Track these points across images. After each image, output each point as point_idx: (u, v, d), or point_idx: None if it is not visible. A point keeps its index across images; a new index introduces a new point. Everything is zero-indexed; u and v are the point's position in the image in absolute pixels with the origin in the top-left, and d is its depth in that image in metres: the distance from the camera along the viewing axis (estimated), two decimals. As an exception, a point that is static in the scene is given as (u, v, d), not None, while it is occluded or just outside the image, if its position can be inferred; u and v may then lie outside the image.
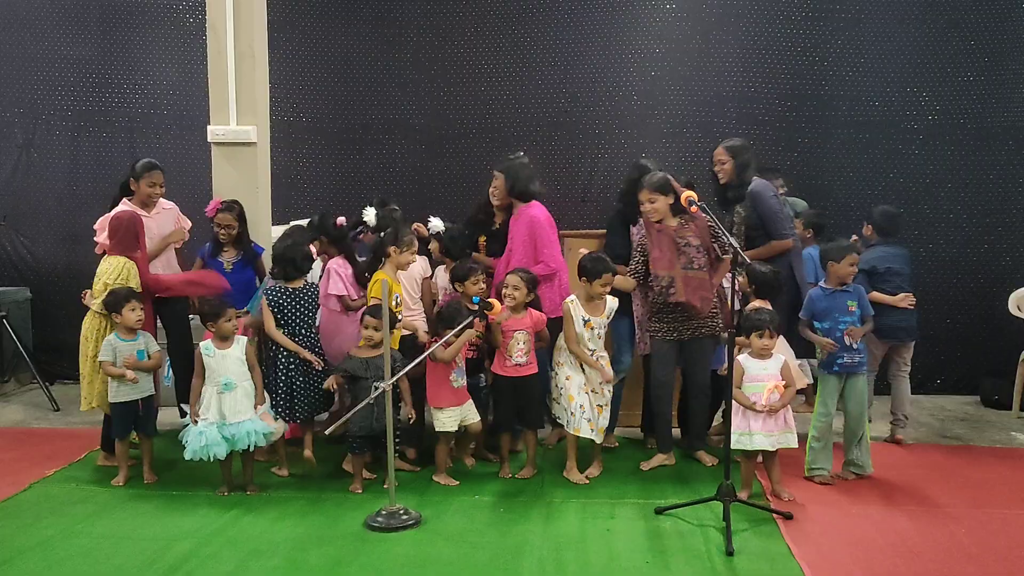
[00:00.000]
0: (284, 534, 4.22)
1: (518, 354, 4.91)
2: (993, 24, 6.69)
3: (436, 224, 5.53)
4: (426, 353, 4.66)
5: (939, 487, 4.88)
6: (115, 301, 4.83)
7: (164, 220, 5.53)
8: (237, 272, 5.46)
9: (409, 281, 5.26)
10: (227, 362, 4.69)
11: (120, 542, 4.12)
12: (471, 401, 4.96)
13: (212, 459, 4.60)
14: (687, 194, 4.65)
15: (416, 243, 5.11)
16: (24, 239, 7.34)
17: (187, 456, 4.60)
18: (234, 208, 5.50)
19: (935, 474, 5.10)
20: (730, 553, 3.97)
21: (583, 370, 4.89)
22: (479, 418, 4.99)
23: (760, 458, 4.68)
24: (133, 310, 4.83)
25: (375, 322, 4.73)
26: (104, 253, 5.15)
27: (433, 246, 5.55)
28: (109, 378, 4.85)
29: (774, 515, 4.41)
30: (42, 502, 4.64)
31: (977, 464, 5.30)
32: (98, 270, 5.04)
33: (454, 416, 4.88)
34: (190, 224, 5.73)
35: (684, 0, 6.86)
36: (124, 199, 5.43)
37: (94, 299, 5.00)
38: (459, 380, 4.89)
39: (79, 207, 7.27)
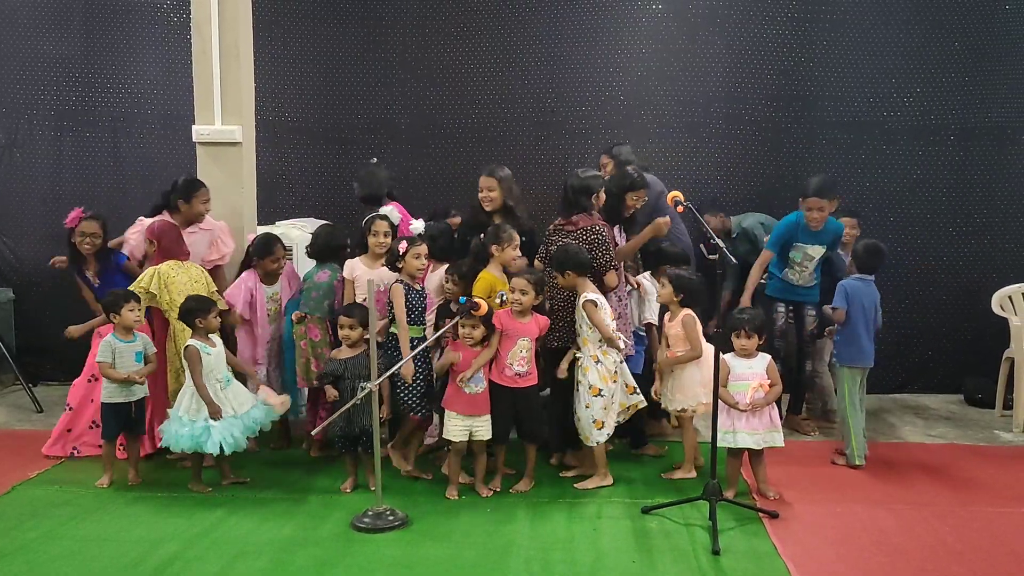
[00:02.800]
0: (270, 535, 4.20)
1: (519, 363, 4.70)
2: (976, 25, 6.72)
3: (418, 226, 5.38)
4: (414, 352, 4.64)
5: (923, 485, 4.91)
6: (114, 301, 4.81)
7: (200, 239, 5.49)
8: (107, 285, 5.36)
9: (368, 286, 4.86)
10: (219, 358, 4.72)
11: (104, 544, 4.10)
12: (488, 416, 4.70)
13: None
14: (673, 194, 4.66)
15: (517, 238, 4.98)
16: (7, 239, 7.27)
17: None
18: (100, 217, 5.45)
19: (919, 472, 5.13)
20: (716, 552, 3.98)
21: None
22: (489, 436, 4.70)
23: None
24: (132, 310, 4.81)
25: (350, 321, 4.73)
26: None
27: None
28: (104, 379, 4.80)
29: (760, 514, 4.42)
30: (25, 505, 4.60)
31: (961, 462, 5.33)
32: (175, 278, 5.05)
33: (460, 425, 4.66)
34: (231, 247, 5.62)
35: (671, 0, 6.88)
36: (164, 214, 5.45)
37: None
38: (471, 386, 4.64)
39: (62, 207, 7.13)
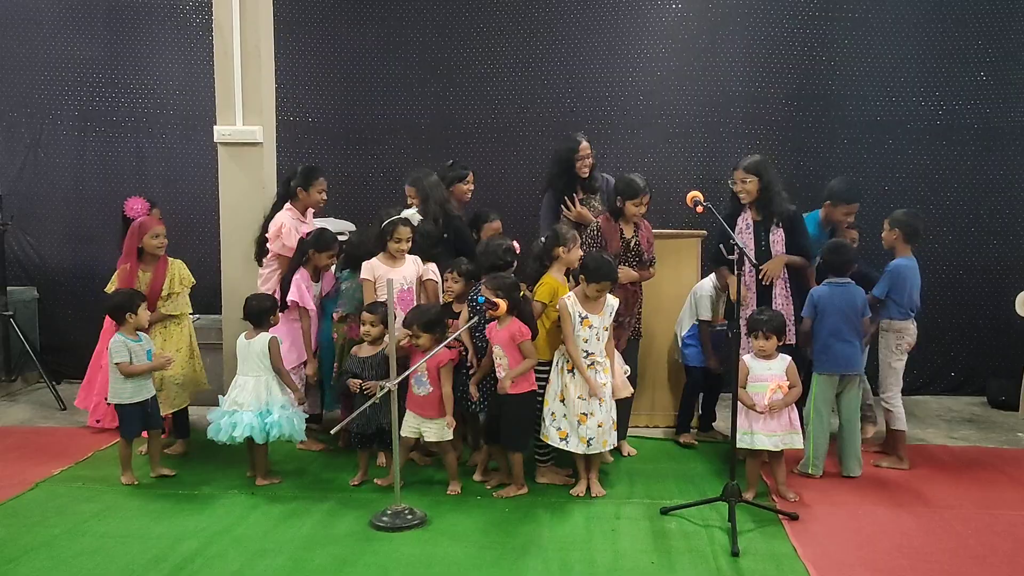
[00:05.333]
0: (290, 533, 4.23)
1: (497, 369, 4.70)
2: (1000, 24, 6.68)
3: (412, 214, 5.30)
4: (429, 354, 4.62)
5: (945, 488, 4.87)
6: (130, 301, 4.85)
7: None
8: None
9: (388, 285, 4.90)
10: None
11: (126, 541, 4.14)
12: (438, 420, 4.68)
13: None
14: (692, 194, 4.64)
15: (578, 239, 5.00)
16: (31, 239, 7.36)
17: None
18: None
19: (941, 475, 5.09)
20: (735, 554, 3.97)
21: (572, 373, 4.67)
22: (436, 439, 4.70)
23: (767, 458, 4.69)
24: (146, 310, 4.91)
25: (372, 318, 4.77)
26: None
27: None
28: (118, 381, 4.82)
29: (779, 516, 4.40)
30: (48, 501, 4.65)
31: (984, 465, 5.29)
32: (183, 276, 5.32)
33: (411, 423, 4.69)
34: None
35: (690, 0, 6.86)
36: (287, 205, 5.54)
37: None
38: (416, 387, 4.68)
39: (86, 207, 7.31)
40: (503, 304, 4.56)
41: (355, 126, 7.27)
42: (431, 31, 7.14)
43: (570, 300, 4.66)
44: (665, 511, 4.45)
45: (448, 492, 4.74)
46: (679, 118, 6.91)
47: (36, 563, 3.91)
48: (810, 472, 4.98)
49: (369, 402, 4.47)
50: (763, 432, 4.57)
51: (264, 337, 4.87)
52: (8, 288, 6.86)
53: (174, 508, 4.56)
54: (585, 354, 4.66)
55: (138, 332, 4.91)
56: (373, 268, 5.10)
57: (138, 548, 4.05)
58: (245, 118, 5.76)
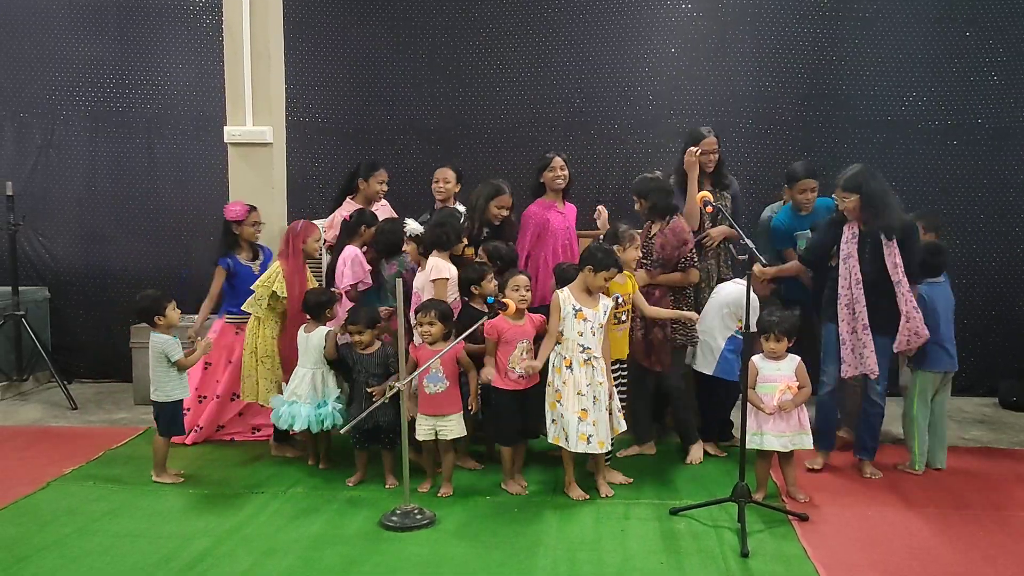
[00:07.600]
0: (299, 533, 4.24)
1: (521, 364, 4.65)
2: (1011, 22, 6.64)
3: (413, 227, 5.39)
4: (438, 355, 4.63)
5: (956, 489, 4.85)
6: (156, 304, 4.84)
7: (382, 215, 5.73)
8: (262, 271, 5.51)
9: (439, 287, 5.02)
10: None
11: (136, 540, 4.16)
12: (454, 416, 4.69)
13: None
14: (702, 194, 4.63)
15: (637, 238, 4.98)
16: (42, 239, 7.39)
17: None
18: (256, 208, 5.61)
19: (952, 476, 5.07)
20: (745, 555, 3.96)
21: (570, 370, 4.58)
22: (457, 435, 4.71)
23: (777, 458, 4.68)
24: (175, 310, 4.92)
25: (358, 328, 4.82)
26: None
27: (409, 248, 5.33)
28: (168, 378, 4.84)
29: (789, 516, 4.39)
30: (59, 500, 4.67)
31: (995, 466, 5.26)
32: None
33: (424, 425, 4.66)
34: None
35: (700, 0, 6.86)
36: (348, 198, 5.77)
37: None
38: (431, 386, 4.63)
39: (97, 207, 7.34)
40: (512, 304, 4.60)
41: (364, 126, 7.28)
42: (440, 32, 7.15)
43: (563, 294, 4.63)
44: (674, 511, 4.45)
45: (439, 495, 4.69)
46: (689, 118, 6.88)
47: (47, 562, 3.93)
48: (916, 469, 5.05)
49: (376, 403, 4.49)
50: (772, 432, 4.55)
51: (322, 331, 5.00)
52: (20, 288, 6.88)
53: (184, 508, 4.58)
54: (581, 348, 4.57)
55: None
56: (448, 267, 5.01)
57: (148, 547, 4.07)
58: (255, 118, 5.79)
